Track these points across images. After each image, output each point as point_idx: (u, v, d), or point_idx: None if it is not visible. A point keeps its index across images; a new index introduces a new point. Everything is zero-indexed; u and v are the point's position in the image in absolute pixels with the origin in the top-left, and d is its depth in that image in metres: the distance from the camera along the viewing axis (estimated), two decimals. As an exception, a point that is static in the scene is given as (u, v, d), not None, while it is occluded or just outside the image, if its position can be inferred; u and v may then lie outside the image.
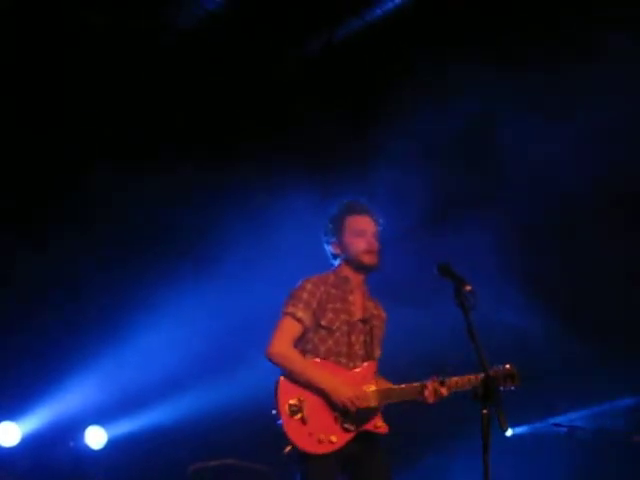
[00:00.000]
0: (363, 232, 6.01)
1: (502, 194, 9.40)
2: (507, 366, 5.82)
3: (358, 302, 6.07)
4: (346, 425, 5.71)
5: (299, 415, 5.63)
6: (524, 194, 9.38)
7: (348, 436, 5.72)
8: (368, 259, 6.01)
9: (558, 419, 9.80)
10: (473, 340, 5.05)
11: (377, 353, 6.09)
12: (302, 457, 5.63)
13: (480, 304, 5.13)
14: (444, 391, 5.74)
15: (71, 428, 8.89)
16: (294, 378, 5.72)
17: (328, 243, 6.14)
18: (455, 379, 5.81)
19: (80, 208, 9.08)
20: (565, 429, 9.65)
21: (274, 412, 5.68)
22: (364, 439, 5.79)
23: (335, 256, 6.12)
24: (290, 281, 8.78)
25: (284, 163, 9.36)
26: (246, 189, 9.43)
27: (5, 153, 8.79)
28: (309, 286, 5.94)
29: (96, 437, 9.00)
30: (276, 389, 5.71)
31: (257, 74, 9.67)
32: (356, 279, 6.08)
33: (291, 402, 5.66)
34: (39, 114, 8.84)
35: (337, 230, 6.06)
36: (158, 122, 9.35)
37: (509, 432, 9.56)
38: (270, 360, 5.79)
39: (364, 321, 6.05)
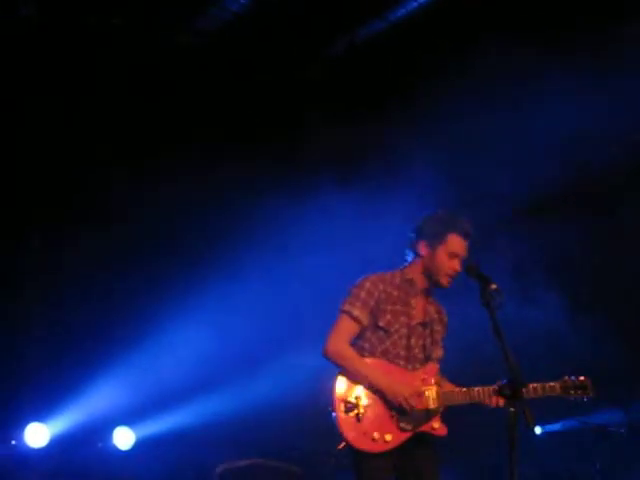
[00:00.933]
0: (456, 255, 5.89)
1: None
2: (581, 378, 5.89)
3: (420, 306, 6.00)
4: (402, 425, 5.71)
5: (354, 412, 5.65)
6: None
7: (404, 436, 5.72)
8: (445, 282, 5.93)
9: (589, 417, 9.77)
10: (499, 339, 5.07)
11: (438, 354, 6.06)
12: (355, 454, 5.66)
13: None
14: (501, 401, 5.66)
15: (99, 429, 8.90)
16: (349, 375, 5.73)
17: (418, 238, 6.00)
18: (532, 386, 5.79)
19: (97, 209, 9.12)
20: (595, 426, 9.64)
21: (330, 409, 5.70)
22: (418, 439, 5.78)
23: (415, 253, 6.02)
24: (310, 283, 8.94)
25: (304, 165, 9.42)
26: (269, 190, 9.46)
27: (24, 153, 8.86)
28: (368, 284, 5.91)
29: (124, 438, 9.01)
30: (332, 386, 5.72)
31: (280, 75, 9.71)
32: (423, 285, 6.01)
33: (347, 399, 5.68)
34: (61, 115, 8.91)
35: (436, 237, 5.93)
36: (180, 123, 9.39)
37: (537, 430, 9.60)
38: (326, 358, 5.80)
39: (424, 325, 6.01)
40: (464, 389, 5.81)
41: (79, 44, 8.79)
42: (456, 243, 5.90)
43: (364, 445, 5.63)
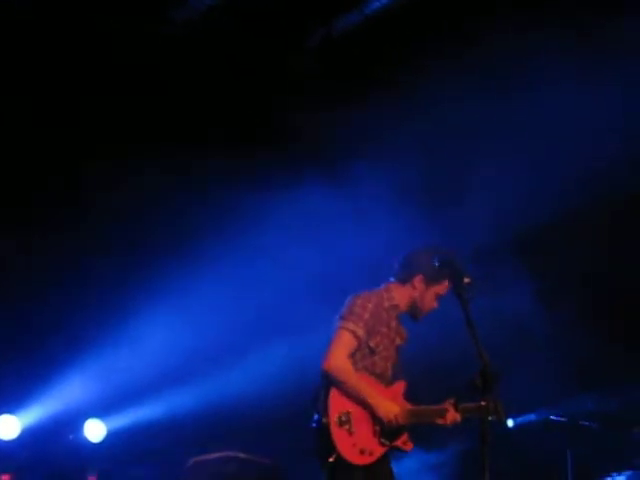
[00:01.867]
0: (439, 298, 6.17)
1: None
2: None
3: (395, 329, 6.20)
4: (382, 439, 5.92)
5: (347, 426, 5.79)
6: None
7: (383, 450, 5.95)
8: (420, 317, 6.23)
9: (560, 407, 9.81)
10: (471, 331, 5.11)
11: (399, 374, 6.25)
12: (342, 466, 5.75)
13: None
14: (458, 417, 5.88)
15: (70, 421, 8.89)
16: (345, 390, 5.84)
17: (414, 271, 6.13)
18: (467, 405, 5.81)
19: (66, 201, 9.09)
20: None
21: (316, 417, 5.81)
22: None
23: (407, 283, 6.16)
24: (287, 284, 8.92)
25: (284, 156, 9.39)
26: (247, 182, 9.44)
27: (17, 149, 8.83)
28: (371, 307, 6.04)
29: (95, 430, 8.99)
30: (326, 399, 5.80)
31: (256, 68, 9.67)
32: (402, 311, 6.21)
33: (341, 413, 5.79)
34: (51, 111, 8.87)
35: (433, 278, 6.09)
36: (162, 115, 9.36)
37: (509, 423, 9.61)
38: (328, 372, 5.85)
39: (397, 348, 6.23)
40: (423, 407, 6.06)
41: (59, 36, 8.72)
42: (445, 288, 6.11)
43: (353, 457, 5.78)
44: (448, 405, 5.89)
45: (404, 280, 6.16)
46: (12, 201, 8.94)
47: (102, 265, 9.12)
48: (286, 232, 9.16)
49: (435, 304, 6.15)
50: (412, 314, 6.22)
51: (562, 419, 9.78)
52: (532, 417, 10.07)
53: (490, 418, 4.97)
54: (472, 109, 8.89)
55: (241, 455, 8.16)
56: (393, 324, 6.15)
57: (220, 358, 9.21)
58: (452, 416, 5.86)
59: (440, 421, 5.89)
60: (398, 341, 6.22)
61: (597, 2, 8.25)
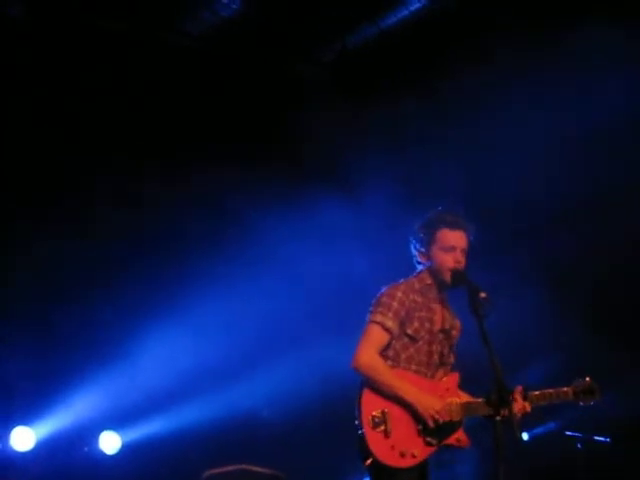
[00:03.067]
0: (453, 248, 5.81)
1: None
2: (587, 379, 5.88)
3: (439, 312, 5.94)
4: (429, 439, 5.61)
5: (382, 427, 5.53)
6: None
7: (430, 450, 5.63)
8: (448, 277, 5.81)
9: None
10: (487, 347, 5.08)
11: (451, 360, 5.98)
12: (382, 471, 5.53)
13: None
14: (527, 406, 5.61)
15: (85, 433, 8.89)
16: (378, 389, 5.61)
17: (415, 249, 5.97)
18: (536, 393, 5.76)
19: (82, 214, 9.12)
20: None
21: (357, 422, 5.58)
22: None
23: (419, 263, 5.97)
24: (296, 290, 8.95)
25: (297, 170, 9.41)
26: (257, 194, 9.47)
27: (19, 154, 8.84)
28: (399, 294, 5.80)
29: (110, 442, 8.99)
30: (359, 400, 5.59)
31: (271, 80, 9.70)
32: (438, 290, 5.93)
33: (374, 414, 5.55)
34: (51, 117, 8.88)
35: (426, 241, 5.89)
36: (171, 125, 9.38)
37: (524, 437, 9.59)
38: (357, 370, 5.66)
39: (444, 331, 5.94)
40: (481, 399, 5.61)
41: (68, 45, 8.75)
42: (446, 236, 5.84)
43: (392, 461, 5.51)
44: (516, 394, 5.58)
45: (418, 262, 5.95)
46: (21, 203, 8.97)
47: (116, 276, 9.14)
48: (295, 244, 9.19)
49: (454, 257, 5.75)
50: (442, 283, 5.84)
51: (573, 433, 9.73)
52: (543, 429, 10.04)
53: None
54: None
55: (254, 468, 8.14)
56: (434, 306, 5.88)
57: (234, 372, 9.19)
58: (520, 406, 5.54)
59: (505, 412, 5.21)
60: (446, 325, 5.91)
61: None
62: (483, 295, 5.34)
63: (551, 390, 5.84)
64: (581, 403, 5.91)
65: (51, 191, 8.98)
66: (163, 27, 9.12)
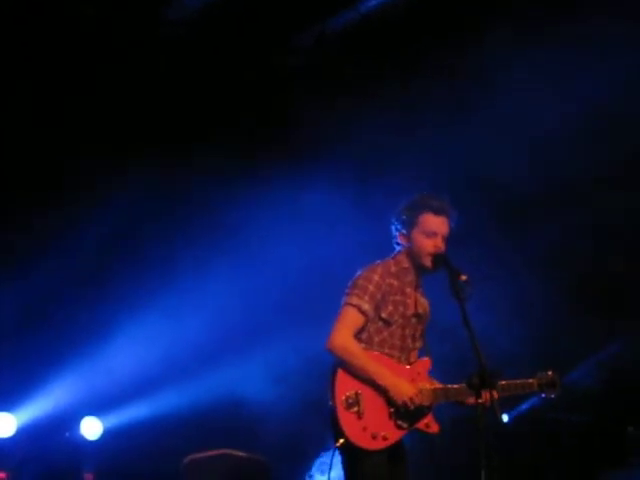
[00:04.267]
0: (434, 234, 5.85)
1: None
2: (549, 373, 6.01)
3: (412, 296, 5.95)
4: (399, 422, 5.66)
5: (355, 408, 5.56)
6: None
7: (400, 433, 5.68)
8: (428, 262, 5.85)
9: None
10: (469, 330, 5.11)
11: (419, 345, 6.02)
12: (353, 452, 5.57)
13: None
14: (495, 394, 5.46)
15: (67, 419, 8.88)
16: (351, 371, 5.63)
17: (397, 230, 5.97)
18: (506, 382, 5.85)
19: (60, 196, 9.10)
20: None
21: (330, 403, 5.60)
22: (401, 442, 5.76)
23: (399, 244, 5.98)
24: (275, 276, 8.96)
25: (273, 158, 9.40)
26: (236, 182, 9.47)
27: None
28: (376, 278, 5.80)
29: (92, 428, 8.99)
30: (333, 381, 5.62)
31: (250, 65, 9.67)
32: (414, 274, 5.95)
33: (348, 394, 5.58)
34: (32, 106, 8.83)
35: (409, 223, 5.89)
36: (153, 114, 9.35)
37: (505, 418, 9.66)
38: (331, 352, 5.67)
39: (417, 315, 5.97)
40: (456, 386, 5.78)
41: (50, 34, 8.71)
42: (429, 221, 5.86)
43: (364, 442, 5.55)
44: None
45: (397, 244, 5.97)
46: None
47: (98, 263, 9.13)
48: (282, 235, 9.21)
49: (434, 242, 5.80)
50: (419, 267, 5.89)
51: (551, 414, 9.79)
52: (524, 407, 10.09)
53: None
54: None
55: (237, 452, 8.16)
56: (408, 290, 5.90)
57: (217, 356, 9.22)
58: (487, 395, 5.31)
59: (472, 400, 5.35)
60: (419, 310, 5.96)
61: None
62: (464, 278, 5.38)
63: (517, 381, 5.95)
64: (543, 395, 6.03)
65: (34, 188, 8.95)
66: (144, 14, 9.06)
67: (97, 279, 9.19)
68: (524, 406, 10.01)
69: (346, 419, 5.54)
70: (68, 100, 8.93)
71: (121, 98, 9.18)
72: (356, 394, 5.59)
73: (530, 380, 5.99)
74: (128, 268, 9.17)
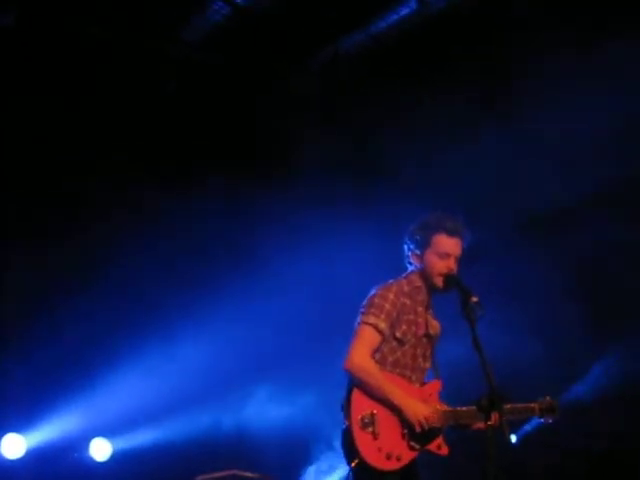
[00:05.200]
0: (447, 255, 5.81)
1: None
2: (547, 398, 5.95)
3: (424, 315, 5.93)
4: (412, 443, 5.63)
5: (370, 429, 5.53)
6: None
7: (413, 454, 5.65)
8: (440, 282, 5.81)
9: None
10: (479, 352, 5.08)
11: (429, 365, 5.98)
12: (368, 472, 5.52)
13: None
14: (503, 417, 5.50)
15: (76, 440, 8.88)
16: (368, 391, 5.60)
17: (409, 250, 5.95)
18: (511, 406, 5.80)
19: (78, 221, 9.15)
20: None
21: (346, 423, 5.58)
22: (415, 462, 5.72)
23: (410, 264, 5.96)
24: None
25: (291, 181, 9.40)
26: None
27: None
28: (391, 296, 5.78)
29: (100, 449, 8.98)
30: (349, 400, 5.60)
31: (263, 87, 9.69)
32: (425, 293, 5.93)
33: (364, 414, 5.55)
34: (38, 127, 8.89)
35: (422, 243, 5.87)
36: (166, 135, 9.37)
37: (513, 439, 9.62)
38: (349, 371, 5.64)
39: (427, 336, 5.93)
40: (464, 408, 5.73)
41: (59, 54, 8.74)
42: (443, 242, 5.83)
43: (378, 463, 5.52)
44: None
45: (409, 263, 5.94)
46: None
47: (107, 288, 9.15)
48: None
49: (447, 264, 5.76)
50: (431, 287, 5.86)
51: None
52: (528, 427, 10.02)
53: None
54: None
55: (245, 473, 8.13)
56: (420, 310, 5.87)
57: (227, 385, 9.25)
58: (496, 417, 5.17)
59: (480, 424, 5.39)
60: (430, 330, 5.92)
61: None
62: (475, 299, 5.33)
63: (520, 405, 5.90)
64: (542, 420, 5.99)
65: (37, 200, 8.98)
66: (155, 34, 9.09)
67: (108, 305, 9.18)
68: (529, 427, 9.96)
69: (362, 439, 5.52)
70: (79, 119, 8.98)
71: (135, 119, 9.21)
72: (372, 414, 5.55)
73: (532, 404, 5.95)
74: (145, 297, 9.24)
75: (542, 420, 6.00)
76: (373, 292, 5.85)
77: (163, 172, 9.28)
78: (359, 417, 5.54)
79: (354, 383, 5.64)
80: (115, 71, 8.99)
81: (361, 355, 5.65)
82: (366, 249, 9.14)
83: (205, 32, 9.04)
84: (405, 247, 6.00)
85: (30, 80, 8.67)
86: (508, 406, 5.74)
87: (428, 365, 5.98)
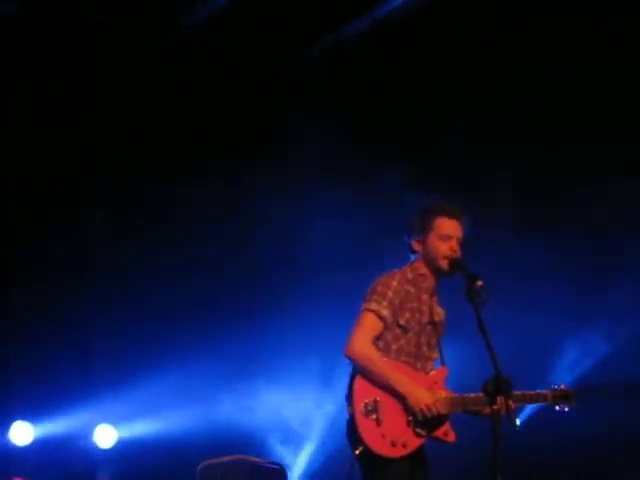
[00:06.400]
0: (448, 237, 5.82)
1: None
2: (562, 386, 6.00)
3: (428, 303, 5.92)
4: (418, 430, 5.61)
5: (374, 415, 5.51)
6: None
7: (419, 441, 5.62)
8: (445, 264, 5.81)
9: None
10: (484, 336, 5.10)
11: (435, 355, 5.98)
12: (373, 459, 5.54)
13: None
14: (511, 403, 5.44)
15: (81, 427, 8.92)
16: (370, 378, 5.60)
17: (409, 237, 5.96)
18: (521, 393, 5.82)
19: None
20: None
21: (348, 410, 5.58)
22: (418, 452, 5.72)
23: (414, 252, 5.95)
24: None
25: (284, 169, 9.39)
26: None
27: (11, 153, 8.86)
28: (395, 284, 5.78)
29: (106, 436, 9.02)
30: (351, 388, 5.60)
31: (265, 72, 9.67)
32: (431, 280, 5.93)
33: (366, 401, 5.53)
34: (41, 115, 8.91)
35: (422, 228, 5.87)
36: (160, 124, 9.36)
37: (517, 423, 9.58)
38: (350, 358, 5.64)
39: (432, 323, 5.93)
40: (472, 395, 5.71)
41: (62, 42, 8.74)
42: (444, 225, 5.84)
43: (383, 450, 5.51)
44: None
45: (412, 251, 5.93)
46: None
47: (118, 272, 9.24)
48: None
49: (449, 245, 5.77)
50: (436, 271, 5.85)
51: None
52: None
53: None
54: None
55: (251, 459, 8.15)
56: (424, 297, 5.86)
57: (233, 377, 9.30)
58: (503, 403, 5.20)
59: (488, 410, 5.26)
60: (434, 317, 5.93)
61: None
62: (480, 284, 5.35)
63: (532, 392, 5.94)
64: (557, 408, 6.01)
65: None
66: (155, 20, 9.09)
67: (114, 293, 9.26)
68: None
69: (365, 426, 5.51)
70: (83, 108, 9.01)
71: (137, 105, 9.23)
72: (375, 401, 5.55)
73: (544, 392, 5.98)
74: (152, 292, 9.24)
75: (557, 408, 6.00)
76: (377, 280, 5.86)
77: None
78: (362, 404, 5.53)
79: (357, 371, 5.65)
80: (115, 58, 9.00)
81: (362, 342, 5.64)
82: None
83: (205, 18, 9.02)
84: (405, 236, 6.01)
85: (31, 72, 8.71)
86: (518, 393, 5.76)
87: (435, 355, 5.98)
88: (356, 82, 9.80)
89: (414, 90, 9.63)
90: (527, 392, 5.90)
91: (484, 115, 9.11)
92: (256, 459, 8.08)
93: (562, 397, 5.98)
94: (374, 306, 5.71)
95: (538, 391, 5.97)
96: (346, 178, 9.31)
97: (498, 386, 5.03)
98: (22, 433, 8.60)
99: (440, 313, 6.04)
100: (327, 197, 9.17)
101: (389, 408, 5.57)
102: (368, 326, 5.70)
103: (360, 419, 5.52)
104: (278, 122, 9.56)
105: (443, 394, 5.74)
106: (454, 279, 5.74)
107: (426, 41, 9.10)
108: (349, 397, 5.60)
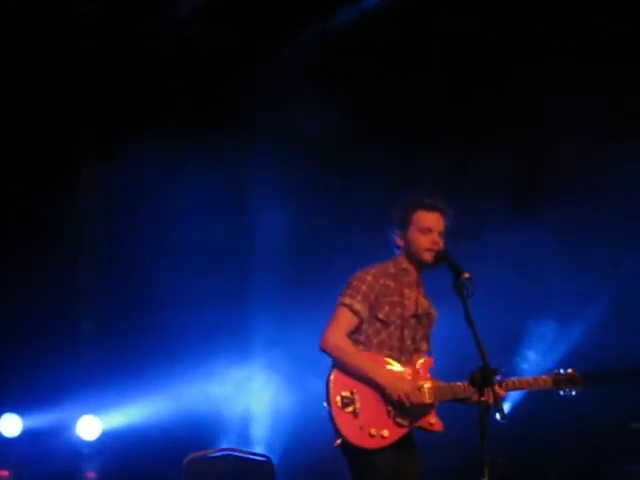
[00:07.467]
0: (429, 230, 5.81)
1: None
2: (569, 370, 5.95)
3: (413, 297, 5.91)
4: (399, 420, 5.61)
5: (351, 408, 5.53)
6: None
7: (401, 431, 5.62)
8: (428, 257, 5.80)
9: None
10: (471, 327, 5.08)
11: (425, 348, 5.97)
12: (352, 451, 5.57)
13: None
14: (501, 392, 5.57)
15: (68, 419, 8.91)
16: (346, 370, 5.62)
17: (392, 232, 5.96)
18: (513, 380, 5.82)
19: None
20: None
21: (325, 404, 5.59)
22: (408, 443, 5.73)
23: (397, 246, 5.95)
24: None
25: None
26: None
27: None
28: (369, 278, 5.79)
29: (90, 427, 9.00)
30: (328, 381, 5.62)
31: (250, 62, 9.65)
32: (414, 274, 5.93)
33: (343, 394, 5.54)
34: (30, 103, 8.87)
35: (403, 222, 5.87)
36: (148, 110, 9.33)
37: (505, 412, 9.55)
38: (324, 351, 5.68)
39: (416, 317, 5.92)
40: (459, 383, 5.70)
41: (48, 30, 8.71)
42: (423, 218, 5.84)
43: (362, 441, 5.52)
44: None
45: (397, 246, 5.92)
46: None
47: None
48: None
49: (430, 238, 5.77)
50: (419, 264, 5.85)
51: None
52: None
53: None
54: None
55: (237, 451, 8.16)
56: (407, 291, 5.85)
57: (217, 358, 9.25)
58: (491, 392, 5.09)
59: (477, 398, 5.10)
60: (419, 311, 5.90)
61: None
62: (466, 275, 5.32)
63: (529, 378, 5.94)
64: (561, 392, 5.97)
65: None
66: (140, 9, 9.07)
67: (99, 281, 9.30)
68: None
69: (342, 419, 5.53)
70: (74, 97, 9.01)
71: (121, 94, 9.18)
72: (352, 393, 5.57)
73: (544, 377, 5.96)
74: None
75: (562, 393, 5.95)
76: (353, 275, 5.88)
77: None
78: (338, 397, 5.55)
79: (333, 364, 5.68)
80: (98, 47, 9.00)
81: (335, 335, 5.68)
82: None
83: (193, 7, 9.00)
84: (388, 231, 6.01)
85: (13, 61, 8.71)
86: (513, 380, 5.80)
87: (424, 347, 5.97)
88: (343, 74, 9.76)
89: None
90: (523, 379, 5.91)
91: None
92: (243, 451, 8.08)
93: (567, 381, 5.93)
94: (348, 300, 5.74)
95: (536, 376, 5.97)
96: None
97: (485, 377, 5.01)
98: (11, 425, 8.62)
99: (425, 306, 6.01)
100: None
101: (367, 399, 5.58)
102: (342, 320, 5.73)
103: (336, 412, 5.54)
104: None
105: (428, 383, 5.74)
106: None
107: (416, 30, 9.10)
108: (326, 390, 5.62)
